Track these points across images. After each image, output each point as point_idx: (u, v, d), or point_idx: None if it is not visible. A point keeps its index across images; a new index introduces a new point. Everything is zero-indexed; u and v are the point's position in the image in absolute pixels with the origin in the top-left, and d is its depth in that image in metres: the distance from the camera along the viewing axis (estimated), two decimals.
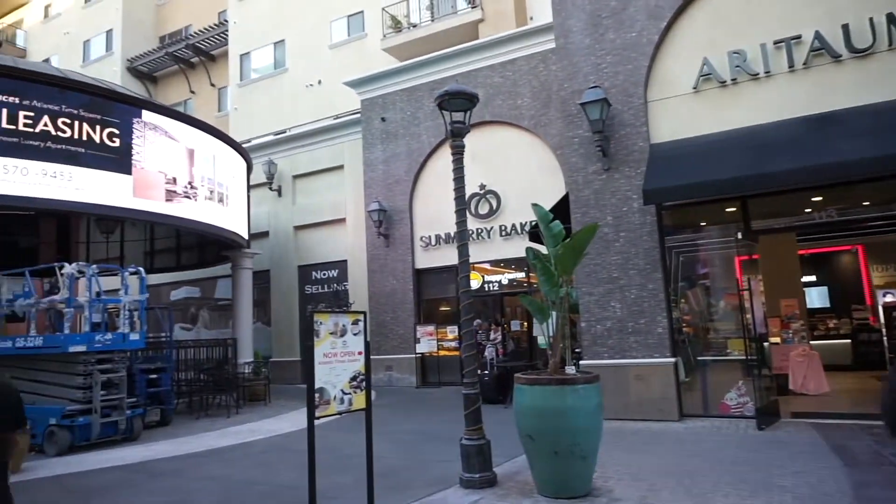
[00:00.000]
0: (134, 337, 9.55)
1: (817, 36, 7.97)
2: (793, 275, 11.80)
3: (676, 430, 7.86)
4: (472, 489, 5.57)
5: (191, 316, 19.90)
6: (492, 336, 12.75)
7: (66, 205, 10.19)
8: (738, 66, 8.43)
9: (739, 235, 8.45)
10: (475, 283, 13.47)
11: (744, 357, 8.17)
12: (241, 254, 15.22)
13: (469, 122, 6.26)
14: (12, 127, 9.58)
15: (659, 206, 8.78)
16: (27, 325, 9.79)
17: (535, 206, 6.22)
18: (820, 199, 8.39)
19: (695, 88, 8.74)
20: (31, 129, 9.75)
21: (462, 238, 6.16)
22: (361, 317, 4.85)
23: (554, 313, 5.80)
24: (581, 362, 8.74)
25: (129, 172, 10.84)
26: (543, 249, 6.28)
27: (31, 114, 9.79)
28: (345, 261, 16.55)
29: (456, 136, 6.18)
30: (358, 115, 16.30)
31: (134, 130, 11.02)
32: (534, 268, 5.98)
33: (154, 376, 10.97)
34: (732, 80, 8.48)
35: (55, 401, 8.91)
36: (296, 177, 17.80)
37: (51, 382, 9.16)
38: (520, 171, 13.51)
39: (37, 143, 9.79)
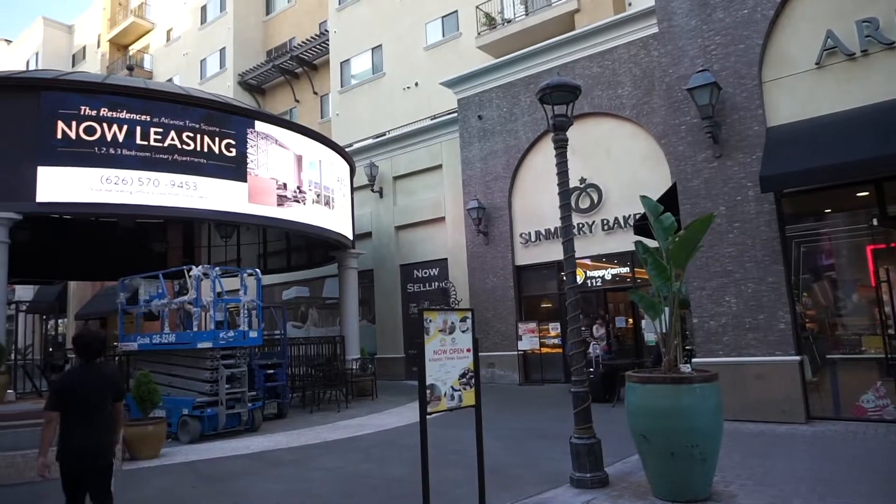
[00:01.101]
0: (253, 334, 10.20)
1: None
2: None
3: (803, 433, 7.30)
4: (584, 489, 5.46)
5: (301, 314, 20.96)
6: (596, 333, 12.42)
7: (193, 212, 11.08)
8: (868, 37, 7.67)
9: (874, 222, 7.71)
10: (578, 279, 13.18)
11: (883, 355, 7.45)
12: (346, 254, 15.80)
13: (572, 114, 6.13)
14: (145, 143, 10.53)
15: (778, 194, 8.20)
16: (161, 323, 10.72)
17: (643, 198, 5.99)
18: None
19: (817, 64, 8.06)
20: (160, 144, 10.66)
21: (567, 234, 6.05)
22: (469, 314, 4.87)
23: (666, 309, 5.57)
24: (693, 360, 8.33)
25: (244, 180, 11.57)
26: (651, 243, 6.04)
27: (161, 129, 10.70)
28: (445, 259, 16.76)
29: (558, 129, 6.06)
30: (455, 115, 16.43)
31: (248, 140, 11.75)
32: (644, 262, 5.75)
33: (270, 371, 11.65)
34: (863, 51, 7.74)
35: (187, 393, 9.70)
36: (396, 178, 18.24)
37: (183, 376, 9.99)
38: (621, 162, 13.09)
39: (166, 157, 10.69)
